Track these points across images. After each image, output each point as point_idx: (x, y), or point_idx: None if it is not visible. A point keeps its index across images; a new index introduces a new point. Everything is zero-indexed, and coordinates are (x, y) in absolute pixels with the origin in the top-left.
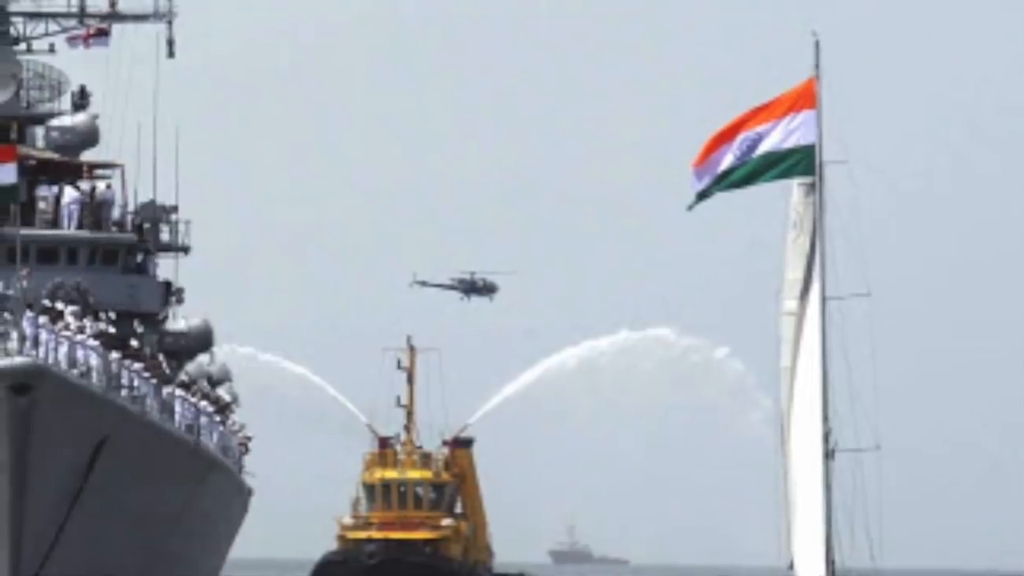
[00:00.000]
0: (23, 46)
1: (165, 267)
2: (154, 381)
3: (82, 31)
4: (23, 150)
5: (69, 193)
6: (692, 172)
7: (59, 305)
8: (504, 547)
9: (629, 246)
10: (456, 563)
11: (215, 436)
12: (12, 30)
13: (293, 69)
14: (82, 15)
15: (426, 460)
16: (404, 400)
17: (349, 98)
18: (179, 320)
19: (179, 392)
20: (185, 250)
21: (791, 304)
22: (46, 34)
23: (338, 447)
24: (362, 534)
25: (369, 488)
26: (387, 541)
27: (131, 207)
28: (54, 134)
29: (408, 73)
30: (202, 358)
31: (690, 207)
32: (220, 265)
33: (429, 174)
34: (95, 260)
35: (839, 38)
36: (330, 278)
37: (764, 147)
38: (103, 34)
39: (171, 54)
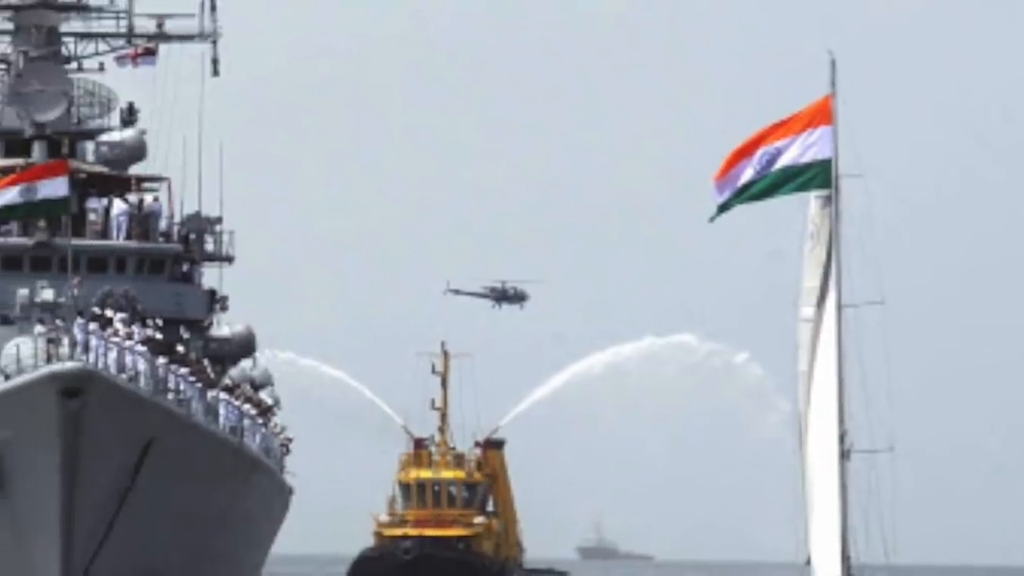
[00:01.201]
0: (74, 65)
1: (210, 276)
2: (199, 385)
3: (130, 51)
4: (74, 164)
5: (118, 205)
6: (713, 185)
7: (108, 312)
8: (534, 544)
9: (653, 256)
10: (488, 559)
11: (257, 437)
12: (64, 50)
13: (332, 87)
14: (130, 35)
15: (459, 460)
16: (438, 403)
17: (385, 114)
18: (223, 327)
19: (223, 395)
20: (229, 260)
21: (808, 311)
22: (96, 53)
23: (375, 448)
24: (398, 531)
25: (405, 487)
26: (422, 538)
27: (177, 219)
28: (104, 149)
29: (441, 90)
30: (245, 363)
31: (712, 219)
32: (262, 274)
33: (462, 187)
34: (143, 269)
35: (854, 57)
36: (367, 286)
37: (782, 161)
38: (150, 53)
39: (215, 72)
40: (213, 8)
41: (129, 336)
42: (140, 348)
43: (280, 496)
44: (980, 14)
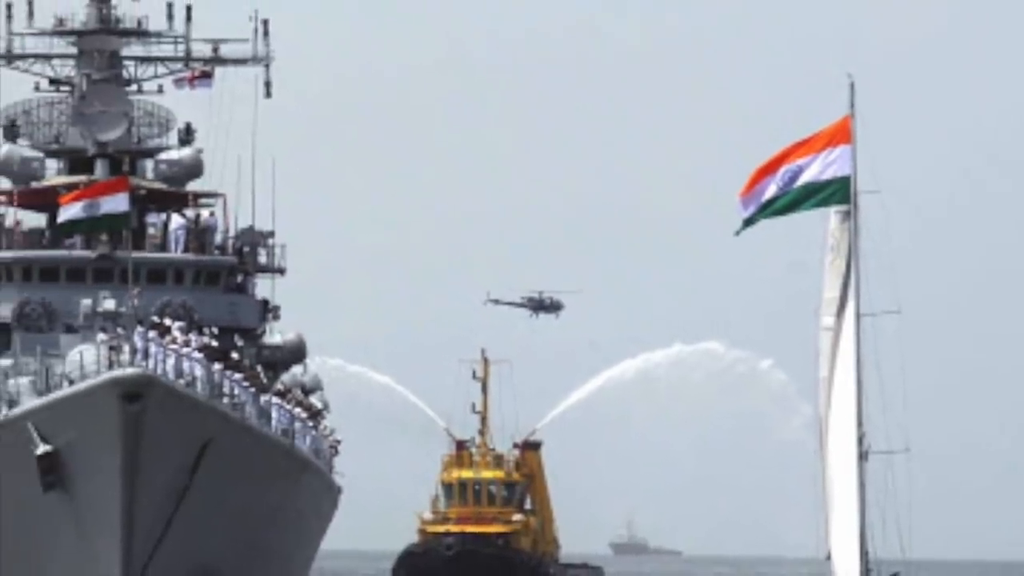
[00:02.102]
0: (134, 87)
1: (263, 287)
2: (253, 390)
3: (187, 74)
4: (134, 181)
5: (176, 220)
6: (739, 201)
7: (167, 321)
8: (569, 540)
9: (682, 268)
10: (525, 554)
11: (308, 439)
12: (125, 73)
13: (377, 108)
14: (188, 59)
15: (499, 461)
16: (479, 407)
17: (427, 133)
18: (275, 335)
19: (275, 400)
20: (281, 271)
21: (829, 320)
22: (155, 76)
23: (419, 449)
24: (440, 528)
25: (447, 487)
26: (463, 534)
27: (232, 232)
28: (162, 167)
29: (480, 112)
30: (296, 369)
31: (737, 232)
32: (312, 285)
33: (501, 202)
34: (199, 281)
35: (871, 80)
36: (411, 296)
37: (804, 178)
38: (207, 76)
39: (268, 94)
40: (266, 34)
41: (186, 344)
42: (197, 355)
43: (329, 495)
44: (990, 40)
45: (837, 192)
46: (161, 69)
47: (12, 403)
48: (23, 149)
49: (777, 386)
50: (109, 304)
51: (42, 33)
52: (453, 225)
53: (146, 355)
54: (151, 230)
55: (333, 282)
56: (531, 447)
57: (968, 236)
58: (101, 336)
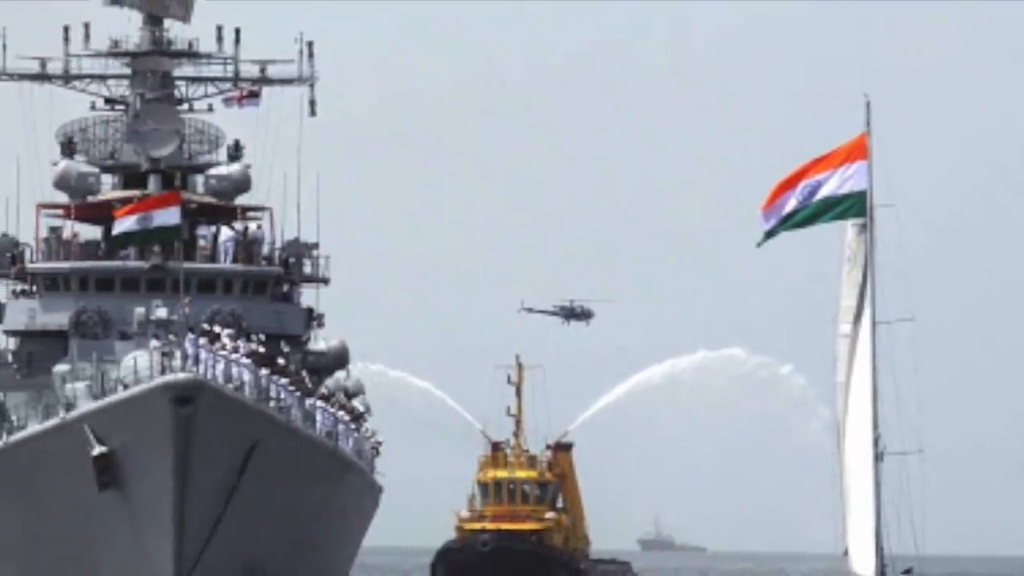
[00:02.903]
0: (185, 106)
1: (308, 296)
2: (298, 394)
3: (236, 93)
4: (185, 195)
5: (225, 232)
6: (761, 214)
7: (216, 329)
8: (599, 536)
9: (706, 278)
10: (557, 550)
11: (350, 441)
12: (176, 92)
13: (416, 125)
14: (236, 80)
15: (532, 462)
16: (513, 410)
17: (464, 149)
18: (319, 341)
19: (320, 403)
20: (325, 281)
21: (846, 327)
22: (205, 96)
23: (456, 451)
24: (477, 525)
25: (483, 486)
26: (498, 531)
27: (278, 244)
28: (212, 182)
29: (515, 129)
30: (339, 374)
31: (759, 244)
32: (355, 294)
33: (534, 215)
34: (247, 290)
35: (887, 99)
36: (449, 305)
37: (822, 193)
38: (254, 96)
39: (313, 113)
40: (311, 55)
41: (235, 350)
42: (245, 361)
43: (371, 494)
44: (999, 62)
45: (854, 206)
46: (211, 89)
47: (69, 406)
48: (80, 165)
49: (797, 390)
50: (162, 312)
51: (98, 55)
52: (489, 237)
53: (197, 361)
54: (201, 242)
55: (375, 291)
56: (563, 448)
57: (978, 247)
58: (154, 343)
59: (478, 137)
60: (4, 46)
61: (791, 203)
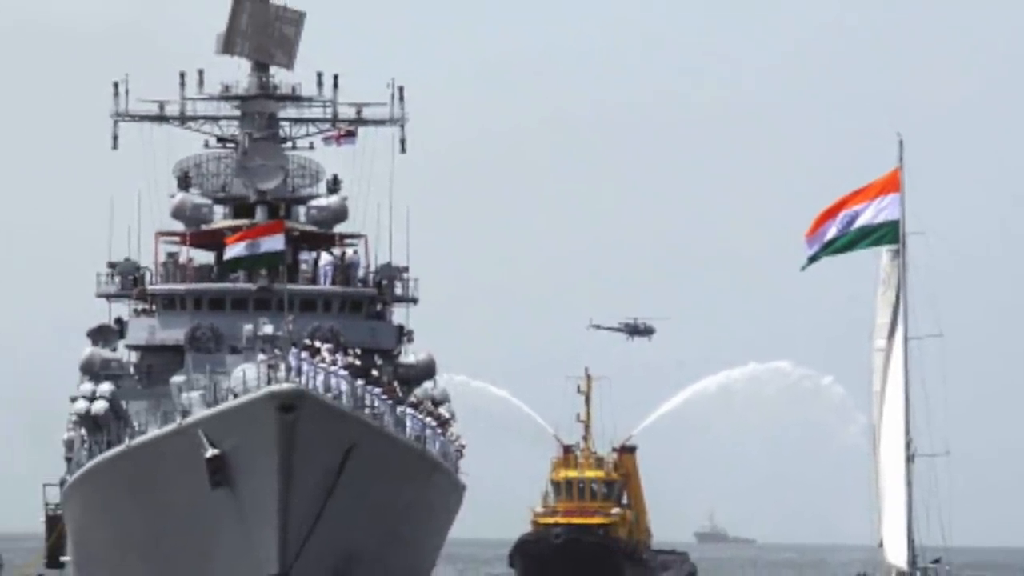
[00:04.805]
0: (289, 144)
1: (399, 314)
2: (390, 402)
3: (334, 133)
4: (289, 224)
5: (324, 257)
6: (805, 241)
7: (317, 344)
8: (659, 530)
9: (756, 298)
10: (622, 542)
11: (437, 444)
12: (281, 132)
13: (495, 160)
14: (335, 120)
15: (600, 462)
16: (582, 416)
17: (537, 182)
18: (409, 355)
19: (409, 410)
20: (414, 301)
21: (881, 343)
22: (307, 135)
23: (531, 453)
24: (550, 520)
25: (555, 484)
26: (569, 525)
27: (372, 268)
28: (313, 212)
29: (582, 163)
30: (427, 384)
31: (803, 268)
32: (441, 313)
33: (600, 242)
34: (344, 309)
35: (918, 137)
36: (525, 322)
37: (860, 222)
38: (351, 135)
39: (403, 150)
40: (401, 98)
41: (333, 363)
42: (342, 372)
43: (455, 492)
44: (1022, 101)
45: (888, 234)
46: (312, 129)
47: (185, 413)
48: (195, 197)
49: (837, 399)
50: (268, 329)
51: (211, 98)
52: (560, 261)
53: (299, 372)
54: (303, 266)
55: (459, 310)
56: (627, 451)
57: (1001, 271)
58: (261, 356)
59: (549, 172)
60: (127, 91)
61: (831, 231)
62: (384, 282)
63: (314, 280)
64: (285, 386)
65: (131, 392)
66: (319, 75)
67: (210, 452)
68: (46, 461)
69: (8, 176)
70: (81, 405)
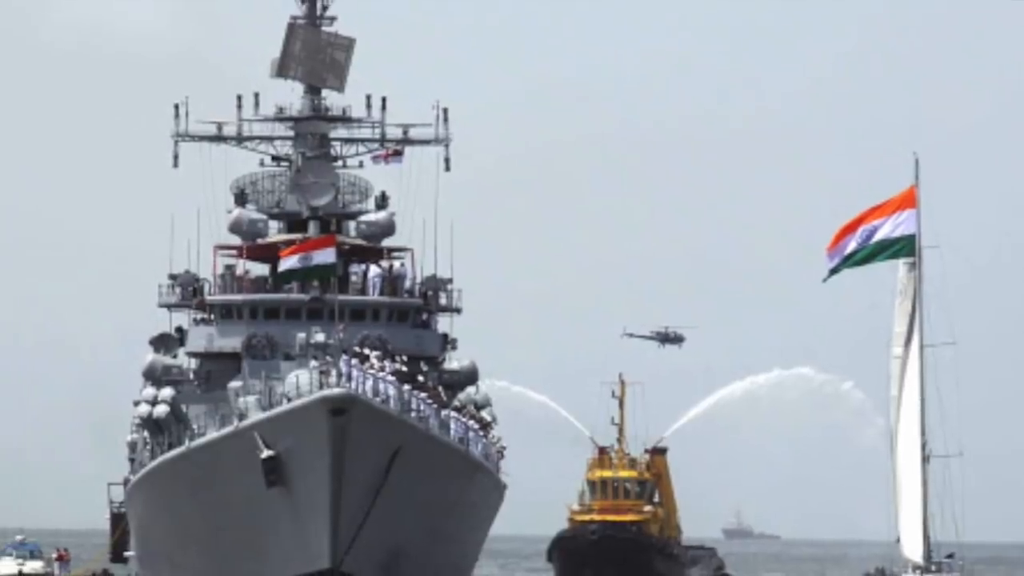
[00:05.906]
0: (340, 163)
1: (443, 323)
2: (435, 406)
3: (383, 152)
4: (340, 238)
5: (373, 270)
6: (826, 254)
7: (366, 351)
8: (689, 526)
9: (780, 308)
10: (654, 538)
11: (479, 446)
12: (332, 151)
13: (535, 178)
14: (383, 140)
15: (633, 463)
16: (617, 420)
17: (575, 198)
18: (453, 362)
19: (453, 414)
20: (458, 311)
21: (898, 350)
22: (356, 154)
23: (569, 454)
24: (586, 517)
25: (591, 484)
26: (604, 522)
27: (418, 280)
28: (362, 227)
29: (616, 179)
30: (470, 389)
31: (825, 279)
32: (483, 322)
33: (634, 254)
34: (392, 318)
35: (933, 156)
36: (563, 331)
37: (878, 236)
38: (398, 154)
39: (448, 168)
40: (446, 120)
41: (382, 369)
42: (390, 378)
43: (496, 491)
44: None
45: (904, 247)
46: (361, 148)
47: (242, 417)
48: (251, 213)
49: (856, 403)
50: (320, 337)
51: (266, 119)
52: (596, 273)
53: (349, 378)
54: (353, 278)
55: (500, 320)
56: (659, 452)
57: (1011, 282)
58: (313, 363)
59: (586, 188)
60: (187, 113)
61: (851, 245)
62: (429, 293)
63: (363, 291)
64: (336, 391)
65: (191, 397)
66: (368, 97)
67: (265, 453)
68: (111, 462)
69: (77, 195)
70: (144, 409)
